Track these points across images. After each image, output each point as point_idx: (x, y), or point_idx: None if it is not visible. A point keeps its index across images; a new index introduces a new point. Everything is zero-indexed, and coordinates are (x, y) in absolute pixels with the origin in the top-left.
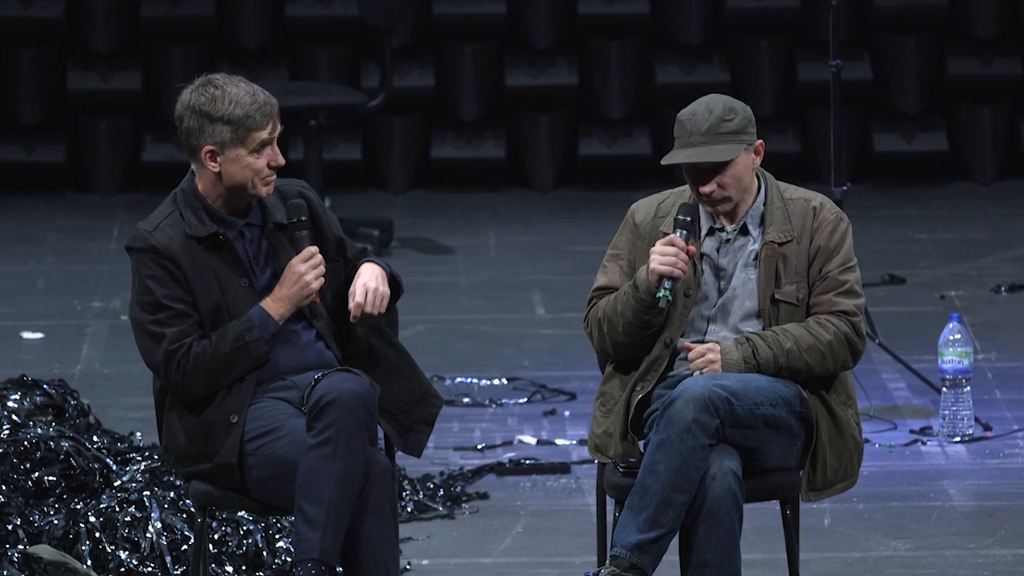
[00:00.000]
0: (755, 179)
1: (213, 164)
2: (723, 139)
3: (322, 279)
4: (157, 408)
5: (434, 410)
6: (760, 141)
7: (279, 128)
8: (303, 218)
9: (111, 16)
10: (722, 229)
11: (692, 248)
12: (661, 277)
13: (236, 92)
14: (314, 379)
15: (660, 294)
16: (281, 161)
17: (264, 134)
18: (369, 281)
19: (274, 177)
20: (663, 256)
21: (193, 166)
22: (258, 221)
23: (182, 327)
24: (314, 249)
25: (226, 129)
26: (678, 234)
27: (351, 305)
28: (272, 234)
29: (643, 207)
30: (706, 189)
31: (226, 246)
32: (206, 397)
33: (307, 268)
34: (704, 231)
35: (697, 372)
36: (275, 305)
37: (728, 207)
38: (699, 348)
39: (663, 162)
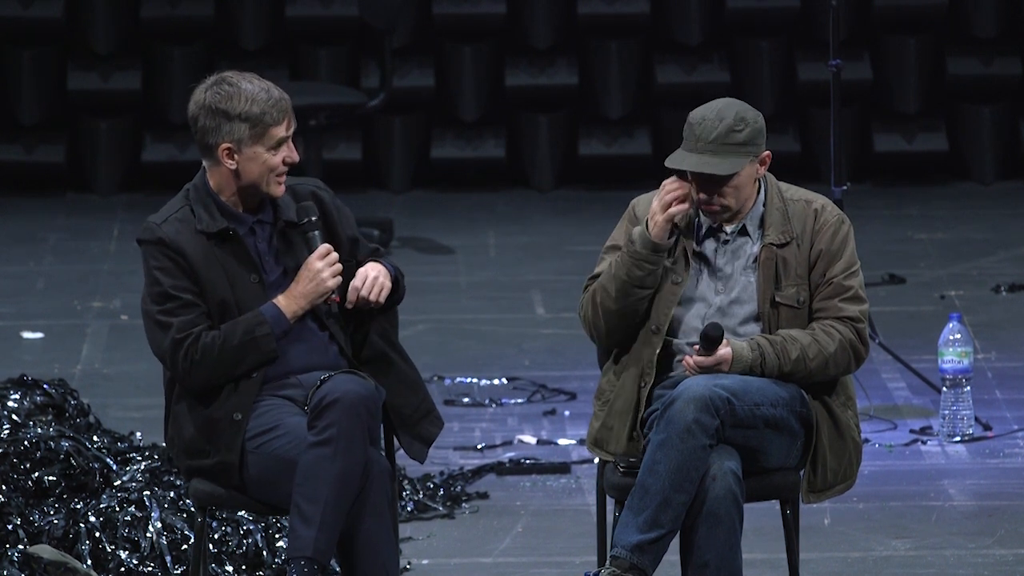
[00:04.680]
0: (756, 184)
1: (230, 162)
2: (729, 150)
3: (339, 278)
4: (166, 399)
5: (435, 430)
6: (767, 152)
7: (294, 125)
8: (313, 218)
9: (111, 16)
10: (720, 230)
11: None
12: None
13: (251, 89)
14: (319, 380)
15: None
16: (296, 158)
17: (281, 130)
18: (369, 271)
19: (285, 175)
20: (670, 194)
21: (206, 163)
22: (270, 219)
23: (189, 316)
24: (329, 247)
25: (244, 127)
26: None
27: (349, 290)
28: (283, 232)
29: (644, 202)
30: (705, 197)
31: (236, 241)
32: (213, 392)
33: (324, 265)
34: (703, 231)
35: (690, 372)
36: (289, 302)
37: (725, 216)
38: (708, 361)
39: (667, 163)
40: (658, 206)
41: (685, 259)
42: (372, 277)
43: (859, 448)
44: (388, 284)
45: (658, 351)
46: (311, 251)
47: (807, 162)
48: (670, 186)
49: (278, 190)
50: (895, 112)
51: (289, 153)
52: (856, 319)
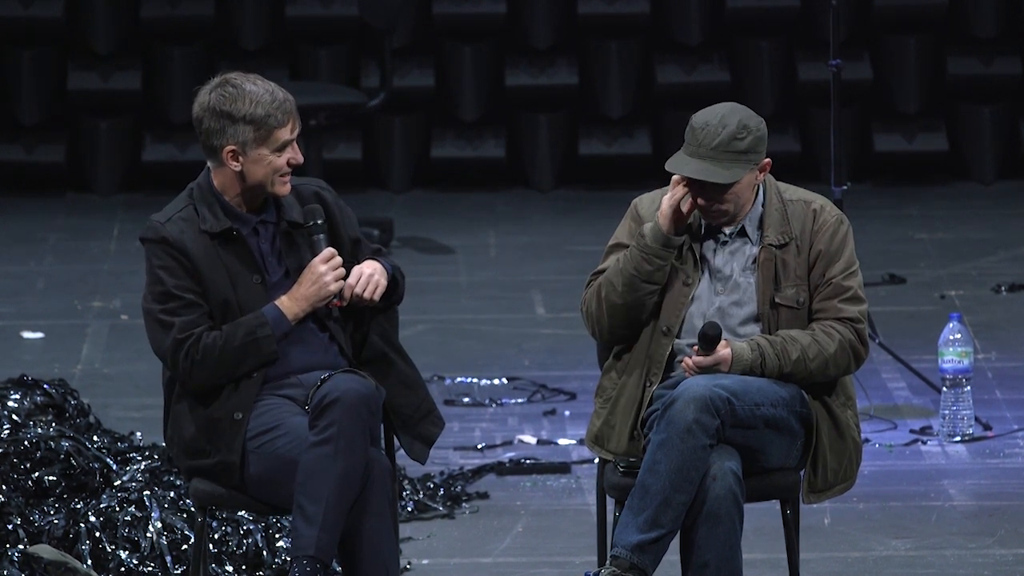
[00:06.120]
0: (755, 188)
1: (235, 164)
2: (731, 158)
3: (341, 282)
4: (165, 399)
5: (436, 430)
6: (767, 160)
7: (299, 126)
8: (319, 221)
9: (111, 16)
10: (719, 231)
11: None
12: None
13: (255, 91)
14: (320, 379)
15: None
16: (300, 159)
17: (286, 133)
18: (364, 268)
19: (290, 175)
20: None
21: (210, 164)
22: (273, 219)
23: (191, 316)
24: (333, 251)
25: (248, 129)
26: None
27: (344, 287)
28: (286, 233)
29: (646, 200)
30: (704, 203)
31: (239, 242)
32: (213, 391)
33: (327, 269)
34: (702, 232)
35: (689, 374)
36: (291, 304)
37: (723, 219)
38: (706, 361)
39: (667, 167)
40: (667, 203)
41: (694, 260)
42: (367, 274)
43: (859, 448)
44: (383, 282)
45: (668, 352)
46: (315, 254)
47: (807, 162)
48: (682, 188)
49: (283, 189)
50: (895, 112)
51: (294, 155)
52: (856, 319)
